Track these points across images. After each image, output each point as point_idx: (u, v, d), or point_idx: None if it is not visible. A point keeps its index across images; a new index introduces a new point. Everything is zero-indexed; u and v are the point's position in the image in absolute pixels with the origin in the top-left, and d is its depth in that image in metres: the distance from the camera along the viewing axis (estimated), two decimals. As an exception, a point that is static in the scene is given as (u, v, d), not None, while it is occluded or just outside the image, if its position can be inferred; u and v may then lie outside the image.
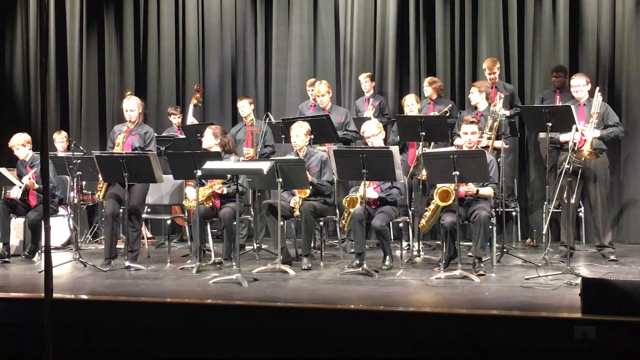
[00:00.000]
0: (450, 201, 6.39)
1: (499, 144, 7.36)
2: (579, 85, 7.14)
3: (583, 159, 6.76)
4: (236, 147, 7.97)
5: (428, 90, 8.38)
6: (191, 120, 9.14)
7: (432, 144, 7.70)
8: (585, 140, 6.77)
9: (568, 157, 6.33)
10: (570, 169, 6.31)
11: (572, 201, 6.90)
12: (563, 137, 6.98)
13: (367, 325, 5.03)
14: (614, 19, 8.55)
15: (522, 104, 8.36)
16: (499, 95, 7.79)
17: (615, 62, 8.53)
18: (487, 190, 6.57)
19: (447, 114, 7.90)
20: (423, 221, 6.81)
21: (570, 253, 6.45)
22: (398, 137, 7.88)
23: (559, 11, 8.75)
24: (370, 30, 9.51)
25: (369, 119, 7.91)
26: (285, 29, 9.88)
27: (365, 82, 8.83)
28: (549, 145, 7.46)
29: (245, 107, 8.54)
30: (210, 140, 7.24)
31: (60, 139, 9.23)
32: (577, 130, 6.56)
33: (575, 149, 6.69)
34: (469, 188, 6.47)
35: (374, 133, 6.96)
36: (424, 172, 7.32)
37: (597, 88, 7.06)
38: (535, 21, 8.88)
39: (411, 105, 8.03)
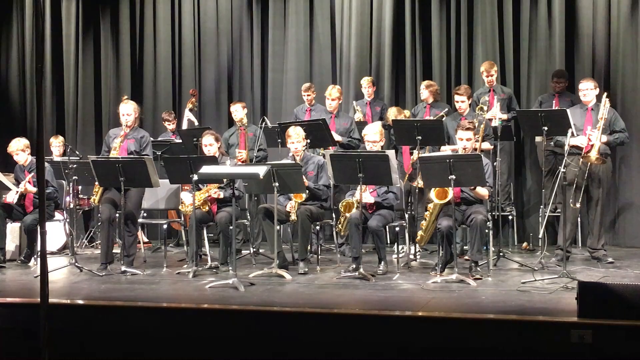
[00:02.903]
0: (448, 198, 6.38)
1: (485, 145, 7.36)
2: (587, 89, 7.11)
3: (589, 163, 6.78)
4: (228, 150, 8.13)
5: (425, 94, 8.37)
6: (189, 123, 9.18)
7: (427, 148, 7.71)
8: (592, 145, 6.77)
9: (564, 161, 6.34)
10: (566, 173, 6.33)
11: (574, 206, 6.90)
12: (572, 141, 6.92)
13: (364, 329, 5.04)
14: (609, 23, 8.57)
15: (518, 108, 8.37)
16: (496, 99, 7.77)
17: (611, 66, 8.56)
18: (482, 190, 6.57)
19: (444, 118, 7.91)
20: (421, 232, 6.82)
21: (567, 257, 6.46)
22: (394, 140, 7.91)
23: (554, 15, 8.77)
24: (367, 35, 9.52)
25: (365, 123, 7.94)
26: (281, 34, 9.89)
27: (368, 87, 8.82)
28: (546, 149, 7.47)
29: (238, 111, 8.56)
30: (215, 147, 7.29)
31: (57, 144, 9.21)
32: (572, 135, 6.57)
33: (583, 153, 6.72)
34: None
35: (375, 140, 6.96)
36: (419, 180, 7.33)
37: (605, 93, 7.06)
38: (530, 25, 8.90)
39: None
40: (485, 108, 7.44)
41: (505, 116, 7.96)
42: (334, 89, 8.43)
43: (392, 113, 8.27)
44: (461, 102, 7.64)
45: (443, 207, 6.59)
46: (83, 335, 5.30)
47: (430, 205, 6.68)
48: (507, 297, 5.65)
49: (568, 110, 6.93)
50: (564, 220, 6.92)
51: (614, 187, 8.44)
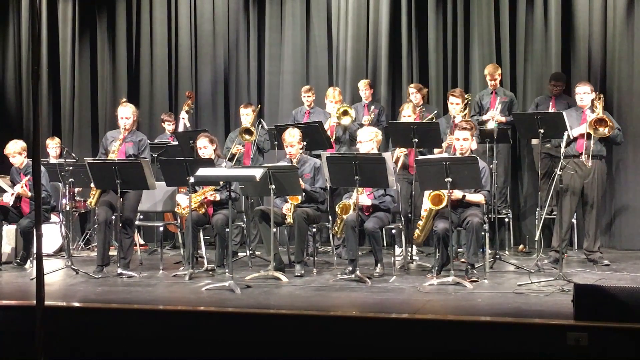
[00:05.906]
0: (443, 204, 6.39)
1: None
2: (584, 92, 7.14)
3: (584, 167, 6.82)
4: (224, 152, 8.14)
5: (417, 97, 8.39)
6: (184, 127, 9.16)
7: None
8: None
9: (560, 163, 6.36)
10: (562, 176, 6.34)
11: (569, 207, 6.93)
12: (575, 132, 6.92)
13: (360, 332, 5.03)
14: (605, 25, 8.59)
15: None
16: (498, 101, 7.78)
17: (607, 68, 8.57)
18: (477, 197, 6.57)
19: (433, 120, 7.94)
20: (417, 231, 6.82)
21: (561, 258, 6.47)
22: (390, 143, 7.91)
23: (550, 18, 8.79)
24: (363, 37, 9.52)
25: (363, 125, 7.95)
26: (277, 36, 9.89)
27: (365, 89, 8.82)
28: (542, 151, 7.49)
29: (249, 115, 8.52)
30: (210, 149, 7.29)
31: (53, 145, 9.18)
32: (569, 137, 6.59)
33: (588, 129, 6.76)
34: (454, 195, 6.47)
35: (361, 140, 6.99)
36: None
37: (599, 93, 7.12)
38: (527, 28, 8.91)
39: (407, 117, 7.99)
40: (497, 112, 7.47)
41: (504, 119, 7.97)
42: (336, 91, 8.47)
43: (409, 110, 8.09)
44: (455, 104, 7.66)
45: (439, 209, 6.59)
46: (79, 338, 5.29)
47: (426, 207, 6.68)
48: (503, 300, 5.66)
49: (564, 113, 6.94)
50: (559, 223, 6.93)
51: (610, 189, 8.45)
